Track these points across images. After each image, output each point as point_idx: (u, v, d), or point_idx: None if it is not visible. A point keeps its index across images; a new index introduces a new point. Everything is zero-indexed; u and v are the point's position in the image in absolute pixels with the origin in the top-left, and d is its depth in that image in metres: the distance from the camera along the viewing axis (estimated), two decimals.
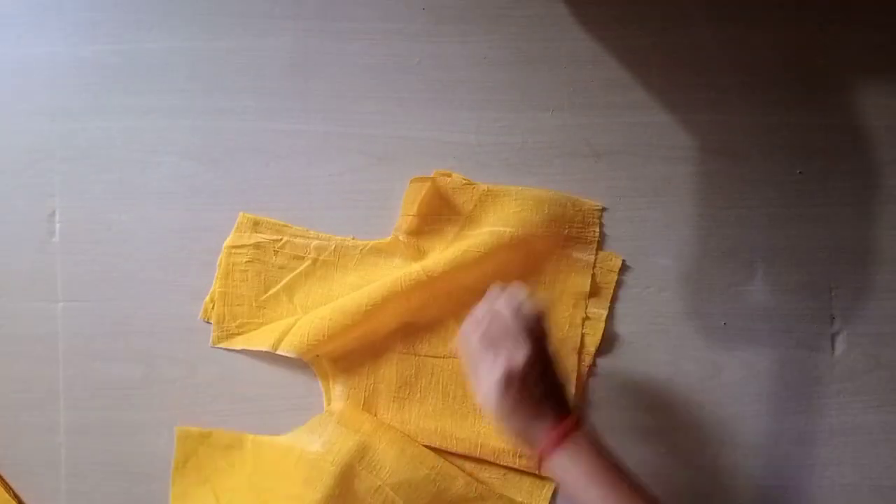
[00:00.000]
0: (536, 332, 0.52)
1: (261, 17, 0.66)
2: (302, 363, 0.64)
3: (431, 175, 0.65)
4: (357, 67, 0.66)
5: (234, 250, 0.65)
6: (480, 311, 0.54)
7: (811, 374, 0.66)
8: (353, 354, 0.63)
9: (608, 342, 0.65)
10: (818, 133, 0.67)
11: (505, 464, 0.63)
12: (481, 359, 0.51)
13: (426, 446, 0.62)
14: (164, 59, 0.66)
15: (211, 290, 0.65)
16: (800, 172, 0.67)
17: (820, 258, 0.67)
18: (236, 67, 0.66)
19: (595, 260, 0.65)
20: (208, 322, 0.65)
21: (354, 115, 0.66)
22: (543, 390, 0.51)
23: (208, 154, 0.66)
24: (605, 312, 0.65)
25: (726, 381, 0.66)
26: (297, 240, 0.65)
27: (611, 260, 0.65)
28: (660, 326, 0.66)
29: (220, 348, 0.64)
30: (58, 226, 0.66)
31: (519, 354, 0.50)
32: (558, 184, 0.66)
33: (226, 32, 0.66)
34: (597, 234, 0.65)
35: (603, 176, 0.66)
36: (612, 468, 0.49)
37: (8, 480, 0.65)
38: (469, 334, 0.53)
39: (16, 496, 0.65)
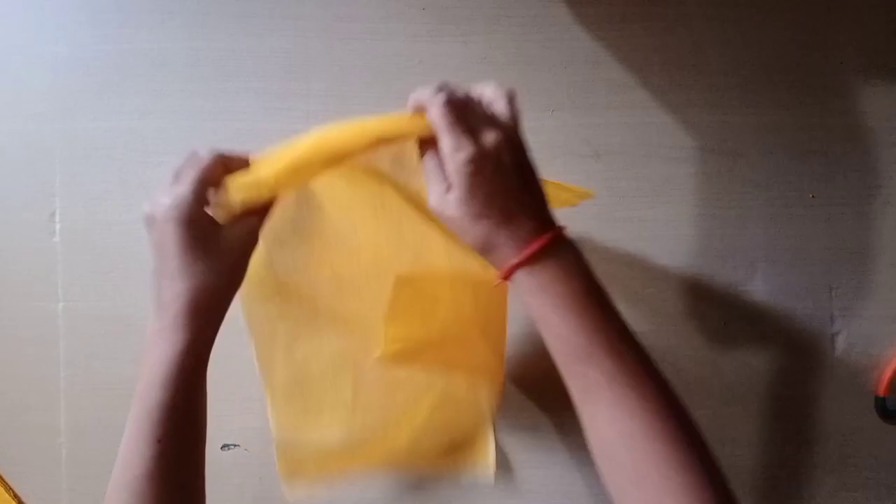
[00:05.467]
0: (509, 117, 0.42)
1: (261, 17, 0.66)
2: None
3: None
4: (357, 67, 0.66)
5: None
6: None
7: (811, 374, 0.66)
8: None
9: None
10: (818, 133, 0.67)
11: None
12: (445, 134, 0.40)
13: None
14: (164, 59, 0.66)
15: None
16: (800, 173, 0.67)
17: (820, 258, 0.67)
18: (236, 67, 0.66)
19: None
20: None
21: (354, 115, 0.66)
22: (520, 184, 0.41)
23: None
24: None
25: (726, 381, 0.66)
26: None
27: None
28: (660, 326, 0.66)
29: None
30: (58, 226, 0.66)
31: (491, 134, 0.40)
32: None
33: (226, 32, 0.66)
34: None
35: (603, 176, 0.66)
36: (597, 294, 0.41)
37: (8, 480, 0.65)
38: (430, 102, 0.41)
39: (16, 496, 0.65)
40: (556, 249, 0.41)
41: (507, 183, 0.41)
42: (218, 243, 0.42)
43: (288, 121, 0.66)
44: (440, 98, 0.41)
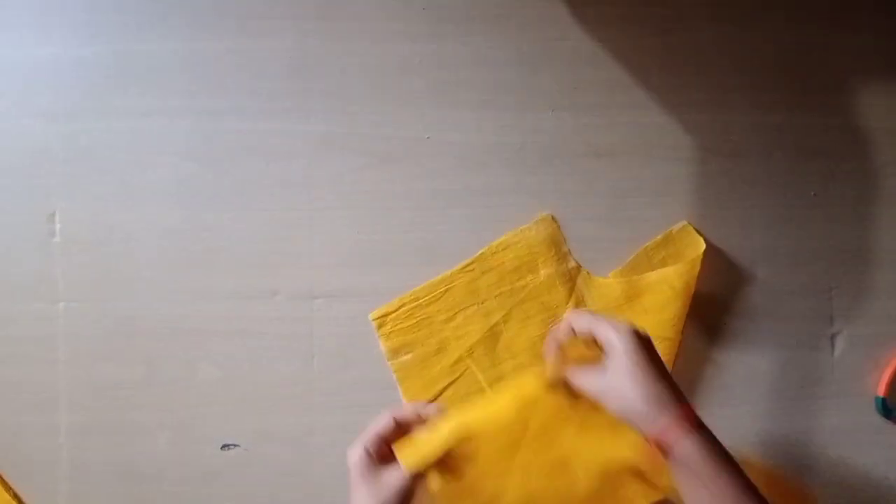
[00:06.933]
0: None
1: (261, 17, 0.66)
2: (303, 363, 0.65)
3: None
4: (357, 67, 0.66)
5: None
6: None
7: (811, 374, 0.66)
8: None
9: None
10: (818, 133, 0.67)
11: None
12: (600, 324, 0.51)
13: None
14: (164, 60, 0.66)
15: None
16: (800, 173, 0.67)
17: (820, 258, 0.67)
18: (236, 67, 0.66)
19: None
20: None
21: (354, 115, 0.66)
22: (664, 365, 0.50)
23: (208, 154, 0.66)
24: None
25: (726, 382, 0.66)
26: None
27: None
28: None
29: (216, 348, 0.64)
30: (58, 226, 0.66)
31: (637, 326, 0.51)
32: (558, 184, 0.66)
33: (226, 32, 0.66)
34: None
35: (603, 176, 0.66)
36: (736, 464, 0.48)
37: (8, 481, 0.65)
38: (569, 319, 0.54)
39: (16, 496, 0.65)
40: (702, 423, 0.48)
41: (658, 358, 0.50)
42: (379, 484, 0.51)
43: (288, 121, 0.66)
44: (573, 313, 0.53)
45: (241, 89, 0.66)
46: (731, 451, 0.48)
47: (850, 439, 0.66)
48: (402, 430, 0.54)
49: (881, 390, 0.65)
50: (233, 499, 0.65)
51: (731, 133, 0.67)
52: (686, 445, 0.47)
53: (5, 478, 0.65)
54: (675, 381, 0.49)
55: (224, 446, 0.65)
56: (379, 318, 0.65)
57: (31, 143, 0.66)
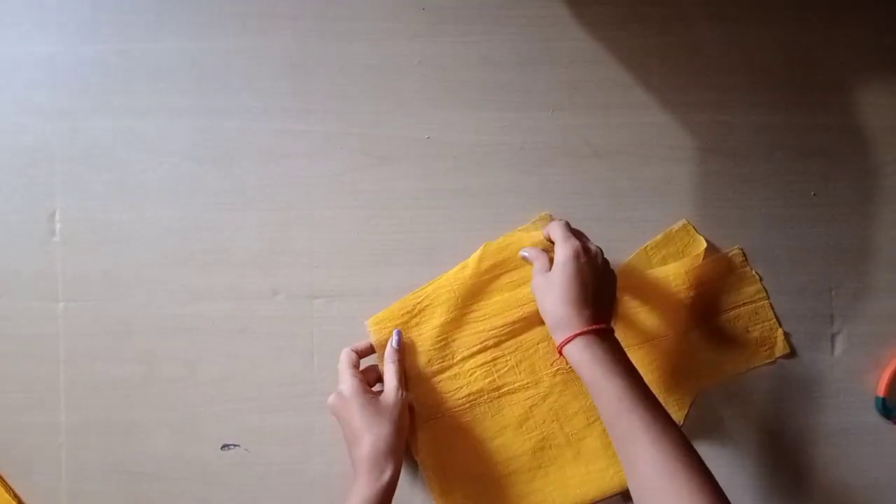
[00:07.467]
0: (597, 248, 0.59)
1: (261, 17, 0.66)
2: (303, 363, 0.65)
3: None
4: (357, 67, 0.66)
5: None
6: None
7: (811, 374, 0.66)
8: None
9: None
10: (818, 133, 0.67)
11: None
12: (560, 234, 0.58)
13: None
14: (164, 59, 0.66)
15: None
16: (800, 173, 0.67)
17: (820, 258, 0.67)
18: (236, 67, 0.66)
19: None
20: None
21: (354, 115, 0.66)
22: (598, 287, 0.56)
23: (208, 154, 0.66)
24: None
25: (726, 381, 0.66)
26: None
27: None
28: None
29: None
30: (58, 226, 0.66)
31: (589, 244, 0.58)
32: (558, 184, 0.66)
33: (226, 32, 0.66)
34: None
35: (603, 176, 0.66)
36: (632, 367, 0.53)
37: (8, 480, 0.65)
38: (552, 224, 0.60)
39: (16, 496, 0.65)
40: (607, 334, 0.54)
41: (593, 277, 0.56)
42: (379, 405, 0.59)
43: (288, 121, 0.66)
44: (560, 221, 0.60)
45: (241, 89, 0.66)
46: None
47: (850, 439, 0.66)
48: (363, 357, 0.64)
49: (881, 390, 0.65)
50: (233, 499, 0.65)
51: (731, 133, 0.67)
52: (571, 352, 0.53)
53: (5, 477, 0.65)
54: (600, 304, 0.56)
55: (224, 446, 0.65)
56: (376, 324, 0.64)
57: (32, 142, 0.66)
